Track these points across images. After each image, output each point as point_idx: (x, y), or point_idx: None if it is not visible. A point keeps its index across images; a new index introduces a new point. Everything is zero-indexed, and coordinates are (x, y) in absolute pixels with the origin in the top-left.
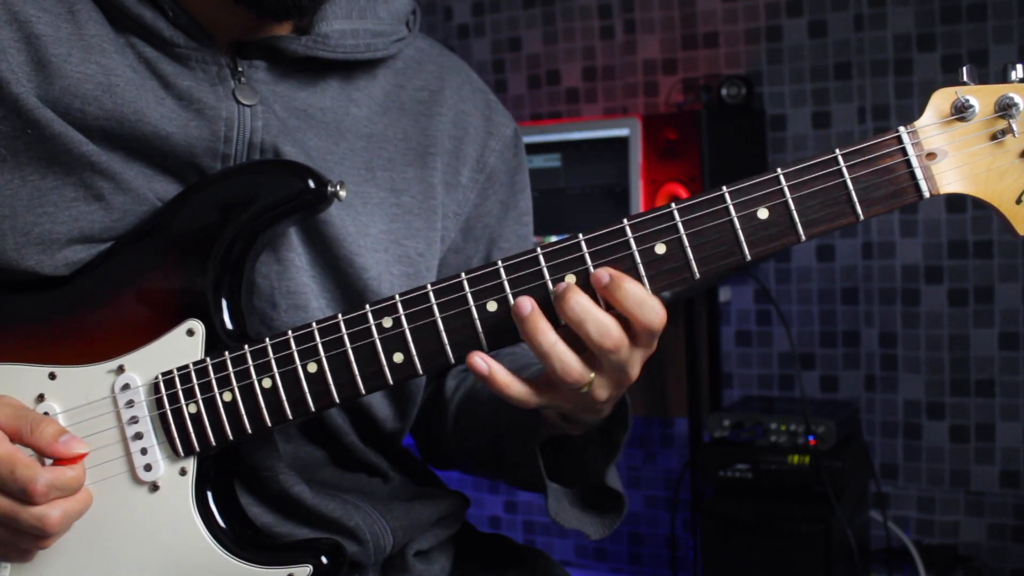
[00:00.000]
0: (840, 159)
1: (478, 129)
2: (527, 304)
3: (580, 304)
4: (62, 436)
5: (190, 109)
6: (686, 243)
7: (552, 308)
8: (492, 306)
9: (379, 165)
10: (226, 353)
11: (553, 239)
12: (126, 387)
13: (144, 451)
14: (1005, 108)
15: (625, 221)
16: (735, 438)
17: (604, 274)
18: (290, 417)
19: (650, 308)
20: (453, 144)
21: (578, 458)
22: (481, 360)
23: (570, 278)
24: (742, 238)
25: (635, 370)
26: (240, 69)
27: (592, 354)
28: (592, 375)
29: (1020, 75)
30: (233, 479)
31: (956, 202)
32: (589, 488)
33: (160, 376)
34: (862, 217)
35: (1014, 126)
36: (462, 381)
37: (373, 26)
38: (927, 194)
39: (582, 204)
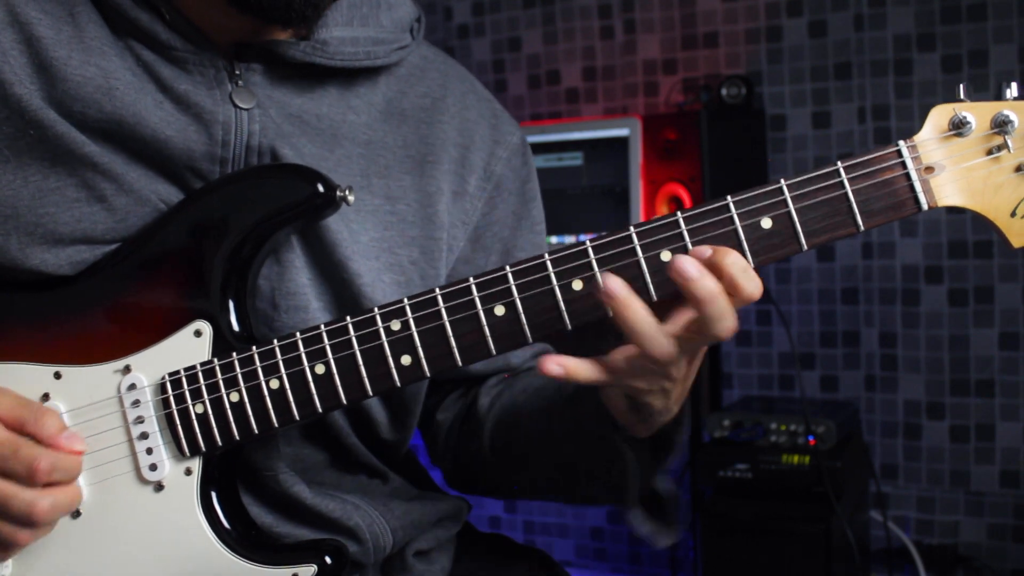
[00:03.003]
0: (842, 171)
1: (484, 138)
2: (618, 283)
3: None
4: (65, 431)
5: (188, 113)
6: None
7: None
8: (500, 310)
9: (375, 172)
10: (233, 354)
11: (554, 240)
12: (132, 387)
13: (149, 451)
14: (1001, 124)
15: (631, 228)
16: (735, 438)
17: (706, 248)
18: (297, 418)
19: (752, 278)
20: (459, 152)
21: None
22: (555, 365)
23: (666, 256)
24: (746, 247)
25: (723, 328)
26: (237, 72)
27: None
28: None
29: (1015, 93)
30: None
31: None
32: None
33: (167, 376)
34: (862, 228)
35: (1009, 142)
36: (497, 397)
37: (374, 33)
38: (925, 206)
39: (582, 204)
